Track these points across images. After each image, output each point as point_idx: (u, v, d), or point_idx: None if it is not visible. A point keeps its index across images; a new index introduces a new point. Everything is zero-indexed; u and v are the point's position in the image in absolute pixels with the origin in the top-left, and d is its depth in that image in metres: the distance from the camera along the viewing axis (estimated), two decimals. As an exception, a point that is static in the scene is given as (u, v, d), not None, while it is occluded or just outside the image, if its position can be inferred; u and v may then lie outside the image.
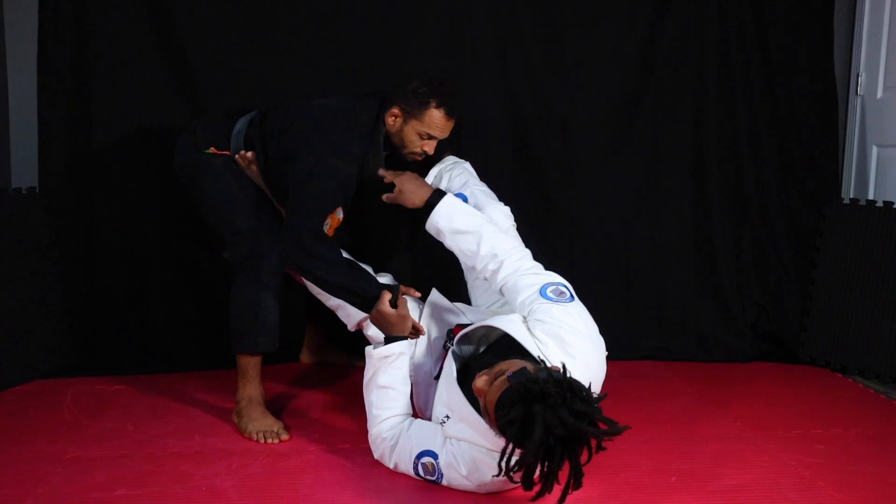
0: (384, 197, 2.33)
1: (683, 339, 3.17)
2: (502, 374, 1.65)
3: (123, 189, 2.98)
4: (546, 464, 1.54)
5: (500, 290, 2.14)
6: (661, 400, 2.61)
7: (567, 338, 1.87)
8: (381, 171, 2.34)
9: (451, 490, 1.88)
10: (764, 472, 2.03)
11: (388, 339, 2.13)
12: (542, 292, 1.99)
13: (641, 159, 3.19)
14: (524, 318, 1.96)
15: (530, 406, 1.52)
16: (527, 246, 3.12)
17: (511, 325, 1.93)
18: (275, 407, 2.47)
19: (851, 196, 3.26)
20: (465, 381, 1.87)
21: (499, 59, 3.11)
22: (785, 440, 2.25)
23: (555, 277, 2.07)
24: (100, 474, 1.97)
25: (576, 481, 1.57)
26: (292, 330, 2.88)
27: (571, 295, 2.01)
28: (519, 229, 3.17)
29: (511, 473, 1.57)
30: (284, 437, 2.23)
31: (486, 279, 2.20)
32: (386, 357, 2.08)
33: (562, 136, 3.16)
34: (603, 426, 1.55)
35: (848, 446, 2.21)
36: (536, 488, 1.58)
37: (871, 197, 3.17)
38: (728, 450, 2.17)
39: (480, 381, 1.68)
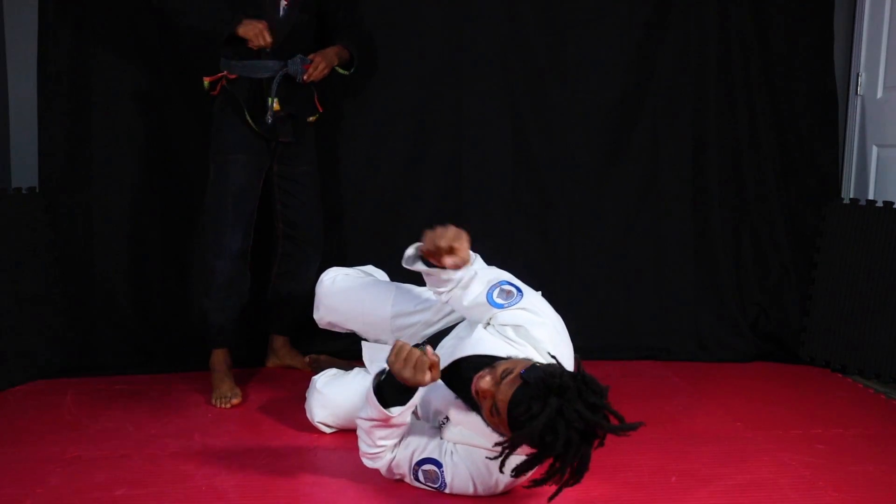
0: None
1: (683, 339, 3.16)
2: (509, 372, 1.61)
3: (123, 189, 2.98)
4: (560, 458, 1.53)
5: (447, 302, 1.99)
6: (661, 400, 2.61)
7: (536, 334, 1.82)
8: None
9: (452, 490, 1.88)
10: (764, 472, 2.03)
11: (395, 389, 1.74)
12: (490, 300, 1.87)
13: (641, 159, 3.19)
14: (486, 323, 1.88)
15: (548, 400, 1.50)
16: (527, 246, 3.16)
17: (482, 344, 1.83)
18: (275, 408, 2.48)
19: (851, 196, 3.26)
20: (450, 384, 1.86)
21: (499, 58, 3.11)
22: (785, 440, 2.25)
23: (494, 275, 1.93)
24: (100, 474, 1.97)
25: (577, 476, 1.56)
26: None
27: (518, 289, 1.90)
28: (519, 229, 3.19)
29: (519, 472, 1.56)
30: (235, 401, 2.51)
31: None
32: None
33: (562, 135, 3.16)
34: (614, 420, 1.55)
35: (848, 446, 2.21)
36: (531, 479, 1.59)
37: (871, 197, 3.17)
38: (728, 450, 2.17)
39: (484, 382, 1.62)
